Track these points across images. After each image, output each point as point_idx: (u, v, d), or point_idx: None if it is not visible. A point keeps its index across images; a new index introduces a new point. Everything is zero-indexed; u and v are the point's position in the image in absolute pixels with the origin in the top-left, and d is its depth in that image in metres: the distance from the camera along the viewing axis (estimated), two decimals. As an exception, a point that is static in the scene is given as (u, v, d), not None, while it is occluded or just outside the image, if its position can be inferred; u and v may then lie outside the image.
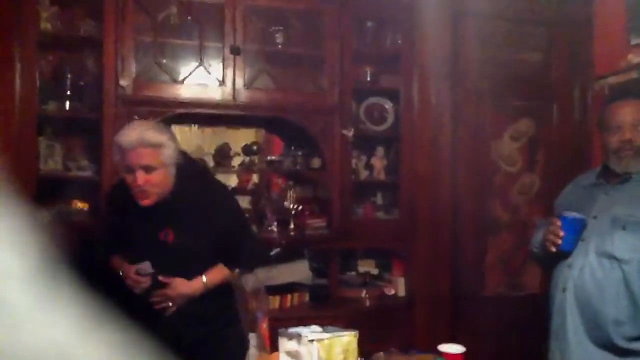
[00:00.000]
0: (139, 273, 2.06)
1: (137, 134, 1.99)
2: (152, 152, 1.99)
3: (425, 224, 3.40)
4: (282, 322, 3.12)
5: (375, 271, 3.53)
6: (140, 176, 1.98)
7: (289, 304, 3.21)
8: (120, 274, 2.10)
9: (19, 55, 2.81)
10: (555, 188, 2.44)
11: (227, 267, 2.19)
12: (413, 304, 3.38)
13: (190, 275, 2.11)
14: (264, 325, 1.82)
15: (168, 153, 2.03)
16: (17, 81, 2.81)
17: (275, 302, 3.15)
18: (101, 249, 2.27)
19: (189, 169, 2.15)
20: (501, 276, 3.62)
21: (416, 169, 3.40)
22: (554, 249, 1.97)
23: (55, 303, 0.58)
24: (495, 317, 3.46)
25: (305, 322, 1.78)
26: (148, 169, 1.99)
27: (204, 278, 2.12)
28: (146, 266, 2.05)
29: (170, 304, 2.08)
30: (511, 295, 3.61)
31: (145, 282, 2.06)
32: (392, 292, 3.44)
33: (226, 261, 2.19)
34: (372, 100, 3.46)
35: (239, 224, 2.27)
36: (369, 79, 3.45)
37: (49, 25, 2.95)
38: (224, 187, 2.41)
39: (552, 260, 2.07)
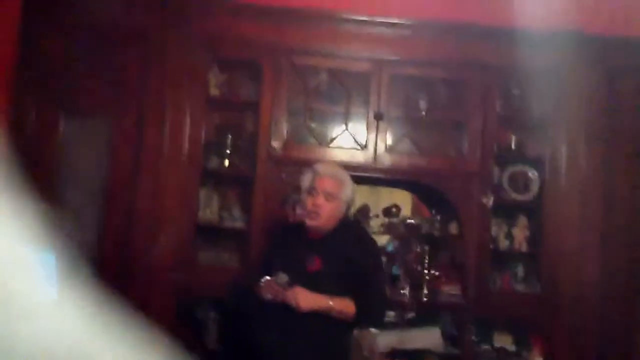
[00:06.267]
0: (276, 282, 2.32)
1: (332, 166, 2.58)
2: (337, 184, 2.45)
3: (569, 303, 3.16)
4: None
5: (512, 347, 3.33)
6: (320, 199, 2.40)
7: (416, 371, 3.14)
8: (261, 283, 2.36)
9: (189, 114, 3.16)
10: None
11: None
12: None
13: None
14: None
15: (347, 191, 2.46)
16: (186, 136, 3.15)
17: (402, 368, 3.11)
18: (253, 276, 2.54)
19: (350, 218, 2.60)
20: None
21: (561, 242, 3.20)
22: None
23: (74, 300, 0.66)
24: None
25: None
26: (328, 197, 2.41)
27: (330, 300, 2.29)
28: (282, 278, 2.32)
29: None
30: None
31: (278, 291, 2.30)
32: (529, 372, 3.21)
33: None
34: (517, 167, 3.37)
35: (375, 274, 2.48)
36: (513, 146, 3.38)
37: (217, 91, 3.31)
38: (374, 240, 2.70)
39: None
